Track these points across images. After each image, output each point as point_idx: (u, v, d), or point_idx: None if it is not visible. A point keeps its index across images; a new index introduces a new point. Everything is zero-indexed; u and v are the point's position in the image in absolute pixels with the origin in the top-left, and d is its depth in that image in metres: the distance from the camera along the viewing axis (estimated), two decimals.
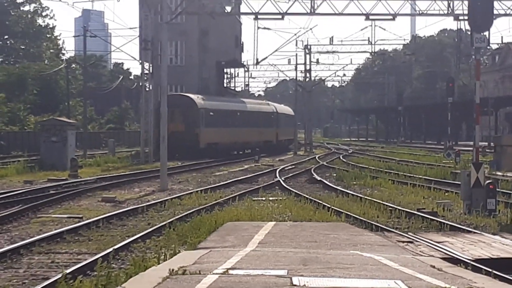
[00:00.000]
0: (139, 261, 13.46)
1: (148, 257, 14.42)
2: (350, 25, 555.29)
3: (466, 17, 34.91)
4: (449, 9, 40.69)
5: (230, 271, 11.03)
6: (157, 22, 50.87)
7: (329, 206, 23.29)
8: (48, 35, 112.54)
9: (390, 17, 41.27)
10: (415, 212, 22.10)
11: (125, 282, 11.27)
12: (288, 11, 40.52)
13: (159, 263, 13.11)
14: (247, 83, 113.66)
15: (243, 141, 70.74)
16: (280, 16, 40.79)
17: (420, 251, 15.03)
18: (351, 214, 21.75)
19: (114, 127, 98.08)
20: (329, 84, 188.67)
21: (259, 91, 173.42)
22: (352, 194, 28.18)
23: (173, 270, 11.04)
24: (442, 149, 63.56)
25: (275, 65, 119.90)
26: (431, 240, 16.49)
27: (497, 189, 24.68)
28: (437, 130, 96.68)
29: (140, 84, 61.38)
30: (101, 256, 14.09)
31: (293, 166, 50.50)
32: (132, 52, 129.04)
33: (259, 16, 41.64)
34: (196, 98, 63.96)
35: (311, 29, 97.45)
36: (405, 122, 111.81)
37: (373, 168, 44.09)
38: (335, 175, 40.62)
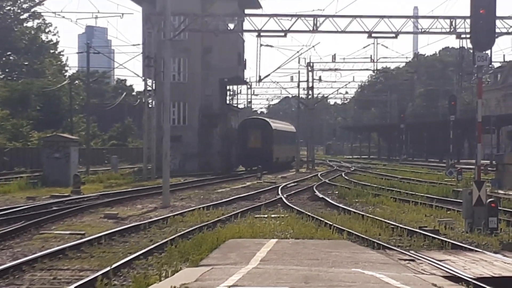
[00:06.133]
0: (140, 278, 13.48)
1: (150, 274, 14.43)
2: (353, 43, 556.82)
3: (468, 35, 35.12)
4: (451, 27, 40.88)
5: None
6: (160, 39, 51.04)
7: (331, 223, 23.29)
8: (51, 51, 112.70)
9: (393, 35, 41.49)
10: (417, 230, 22.06)
11: None
12: (291, 29, 40.73)
13: (160, 280, 13.12)
14: (249, 100, 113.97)
15: (286, 156, 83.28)
16: (282, 34, 40.99)
17: (421, 269, 15.03)
18: (353, 232, 21.73)
19: (117, 143, 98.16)
20: (332, 102, 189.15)
21: (261, 108, 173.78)
22: (354, 212, 28.16)
23: (175, 287, 11.06)
24: (444, 167, 63.55)
25: (277, 82, 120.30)
26: (433, 258, 16.49)
27: (499, 208, 24.68)
28: (439, 148, 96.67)
29: (143, 100, 61.55)
30: (101, 274, 14.08)
31: (295, 184, 50.49)
32: (135, 69, 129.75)
33: (261, 34, 41.86)
34: (270, 120, 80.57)
35: (313, 46, 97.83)
36: (407, 140, 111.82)
37: (375, 185, 44.08)
38: (337, 192, 40.60)
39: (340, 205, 31.57)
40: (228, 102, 79.53)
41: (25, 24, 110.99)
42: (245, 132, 76.77)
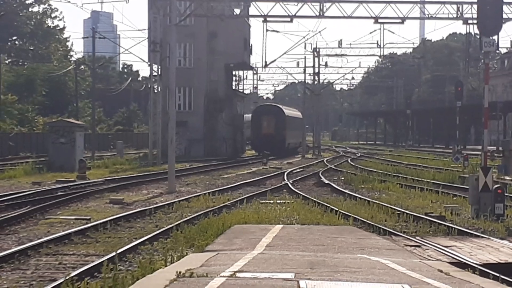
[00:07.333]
0: (146, 264, 13.46)
1: (155, 260, 14.42)
2: (359, 28, 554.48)
3: (475, 21, 34.94)
4: (458, 12, 40.68)
5: (238, 274, 11.02)
6: (166, 24, 50.96)
7: (337, 209, 23.24)
8: (57, 36, 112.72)
9: (399, 20, 41.30)
10: (423, 216, 22.03)
11: (132, 284, 11.25)
12: (297, 14, 40.56)
13: (166, 266, 13.10)
14: (255, 85, 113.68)
15: (295, 142, 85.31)
16: (288, 19, 40.81)
17: (427, 255, 15.00)
18: (358, 217, 21.70)
19: (123, 128, 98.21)
20: (338, 87, 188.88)
21: (267, 93, 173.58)
22: (360, 198, 28.12)
23: (180, 272, 11.03)
24: (450, 153, 63.44)
25: (283, 67, 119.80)
26: (439, 244, 16.45)
27: (505, 194, 24.61)
28: (446, 134, 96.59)
29: (149, 85, 61.48)
30: (107, 259, 14.07)
31: (301, 169, 50.45)
32: (140, 54, 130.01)
33: (268, 19, 41.70)
34: (283, 107, 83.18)
35: (319, 32, 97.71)
36: (413, 126, 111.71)
37: (381, 171, 43.99)
38: (343, 178, 40.56)
39: (346, 191, 31.54)
40: (234, 87, 79.50)
41: (30, 9, 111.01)
42: (259, 119, 78.80)
